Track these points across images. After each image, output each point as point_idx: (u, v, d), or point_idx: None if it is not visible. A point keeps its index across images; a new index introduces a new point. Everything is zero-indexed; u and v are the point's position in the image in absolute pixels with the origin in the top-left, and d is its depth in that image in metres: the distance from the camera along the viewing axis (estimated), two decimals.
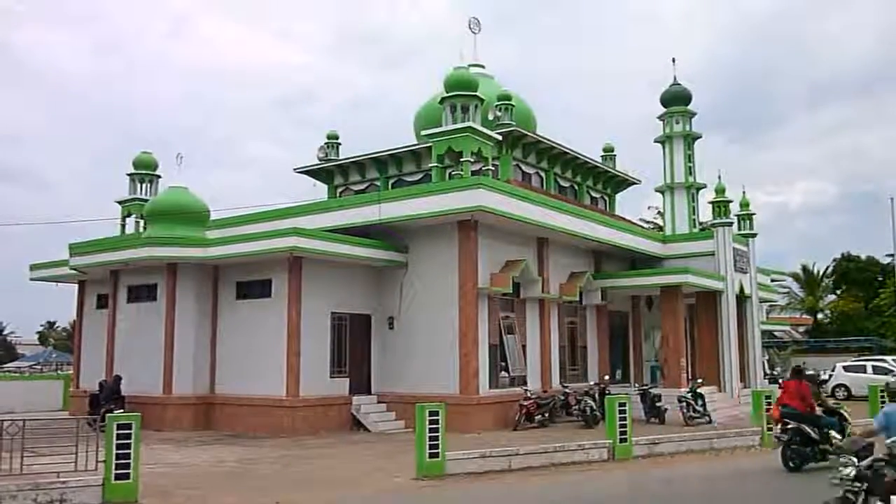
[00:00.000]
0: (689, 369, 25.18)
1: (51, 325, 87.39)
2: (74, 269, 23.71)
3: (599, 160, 31.83)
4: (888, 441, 6.94)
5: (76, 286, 27.21)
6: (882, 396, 18.02)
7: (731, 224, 26.20)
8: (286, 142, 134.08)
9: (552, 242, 22.32)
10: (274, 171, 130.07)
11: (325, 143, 30.99)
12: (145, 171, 27.48)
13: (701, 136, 29.93)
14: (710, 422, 20.51)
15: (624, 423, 14.01)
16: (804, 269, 52.09)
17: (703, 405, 20.90)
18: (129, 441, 10.02)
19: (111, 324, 22.52)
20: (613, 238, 23.71)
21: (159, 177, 27.57)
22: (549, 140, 27.68)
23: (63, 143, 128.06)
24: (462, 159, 20.59)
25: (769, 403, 16.17)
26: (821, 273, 51.95)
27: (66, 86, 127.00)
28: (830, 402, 15.75)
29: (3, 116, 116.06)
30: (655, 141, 30.18)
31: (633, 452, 14.00)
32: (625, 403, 14.21)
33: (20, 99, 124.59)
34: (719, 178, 27.33)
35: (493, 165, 22.64)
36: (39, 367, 57.86)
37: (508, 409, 19.66)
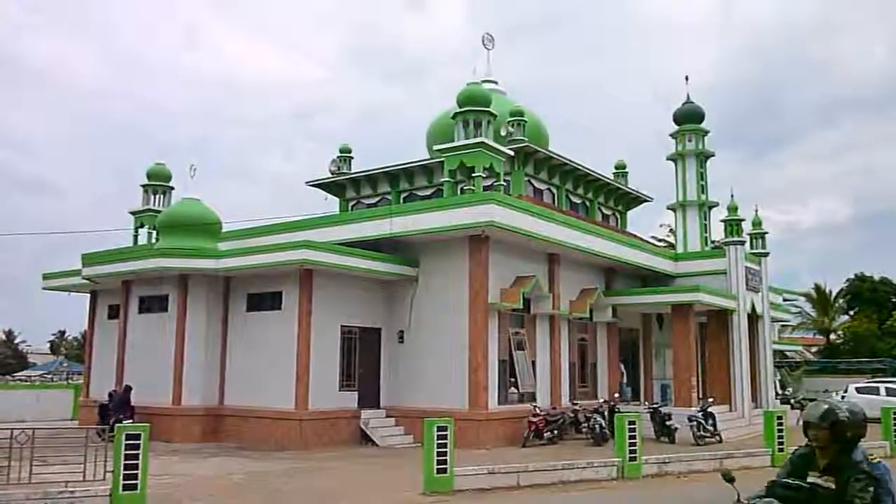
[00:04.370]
0: (700, 388, 25.00)
1: (62, 334, 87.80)
2: (87, 279, 23.81)
3: (611, 177, 31.84)
4: None
5: (88, 296, 27.33)
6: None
7: (743, 243, 26.08)
8: (299, 155, 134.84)
9: (563, 259, 22.26)
10: (286, 184, 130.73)
11: (338, 157, 31.10)
12: (158, 182, 27.64)
13: (714, 155, 29.88)
14: (720, 441, 20.36)
15: (633, 441, 13.92)
16: (817, 288, 51.74)
17: (714, 424, 20.74)
18: (137, 451, 10.03)
19: (122, 334, 22.58)
20: (625, 255, 23.64)
21: (172, 188, 27.72)
22: (561, 156, 27.70)
23: (75, 153, 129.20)
24: (474, 174, 20.62)
25: (780, 424, 16.07)
26: (834, 293, 51.60)
27: (78, 96, 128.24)
28: None
29: (16, 125, 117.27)
30: (668, 158, 30.15)
31: (642, 471, 13.90)
32: (634, 422, 14.11)
33: (33, 108, 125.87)
34: (732, 196, 27.25)
35: (505, 181, 22.66)
36: (50, 376, 58.15)
37: (517, 426, 19.55)
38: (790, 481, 4.05)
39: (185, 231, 20.98)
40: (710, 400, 22.31)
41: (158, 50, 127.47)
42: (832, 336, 51.33)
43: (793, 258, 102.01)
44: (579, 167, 28.54)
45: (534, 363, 21.25)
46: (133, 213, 27.73)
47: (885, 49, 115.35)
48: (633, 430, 13.94)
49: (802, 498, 3.95)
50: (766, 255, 28.17)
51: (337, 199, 30.81)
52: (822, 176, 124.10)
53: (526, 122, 27.10)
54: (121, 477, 9.91)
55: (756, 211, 29.25)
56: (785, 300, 34.29)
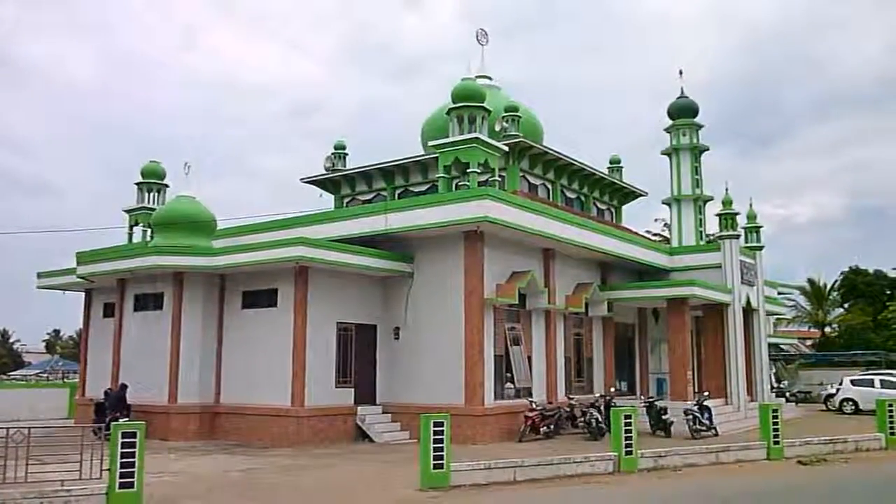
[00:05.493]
0: (696, 382, 25.06)
1: (57, 333, 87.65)
2: (81, 278, 23.74)
3: (606, 172, 31.84)
4: None
5: (83, 295, 27.26)
6: (890, 410, 17.98)
7: (738, 236, 26.12)
8: (293, 152, 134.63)
9: (558, 254, 22.28)
10: (281, 181, 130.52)
11: (332, 154, 31.05)
12: (153, 180, 27.58)
13: (708, 149, 29.88)
14: (716, 435, 20.42)
15: (629, 435, 13.94)
16: (811, 282, 51.92)
17: (710, 418, 20.79)
18: (133, 450, 10.01)
19: (117, 332, 22.51)
20: (620, 250, 23.66)
21: (167, 186, 27.67)
22: (555, 151, 27.69)
23: (70, 152, 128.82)
24: (469, 170, 20.61)
25: (776, 417, 16.11)
26: (828, 286, 51.76)
27: (74, 95, 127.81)
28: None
29: (12, 125, 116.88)
30: (662, 153, 30.15)
31: (638, 465, 13.93)
32: (630, 416, 14.14)
33: (28, 108, 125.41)
34: (726, 190, 27.29)
35: (500, 176, 22.64)
36: (45, 375, 58.12)
37: (514, 421, 19.58)
38: None
39: (180, 229, 20.93)
40: (706, 394, 22.36)
41: (157, 50, 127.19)
42: (827, 329, 51.51)
43: (788, 252, 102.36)
44: (574, 162, 28.54)
45: (530, 358, 21.27)
46: (128, 211, 27.67)
47: (880, 45, 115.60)
48: (629, 424, 13.96)
49: None
50: (761, 248, 28.23)
51: (332, 196, 30.78)
52: (817, 171, 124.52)
53: (520, 117, 27.09)
54: (117, 475, 9.89)
55: (751, 205, 29.33)
56: (780, 294, 34.36)
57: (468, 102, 21.06)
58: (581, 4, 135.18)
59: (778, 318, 42.32)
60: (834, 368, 37.89)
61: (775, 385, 32.98)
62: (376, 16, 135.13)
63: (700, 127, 29.88)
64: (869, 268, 51.20)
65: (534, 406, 19.77)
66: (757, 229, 28.71)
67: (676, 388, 23.07)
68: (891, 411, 18.05)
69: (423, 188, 27.72)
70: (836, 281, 51.78)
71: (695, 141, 29.62)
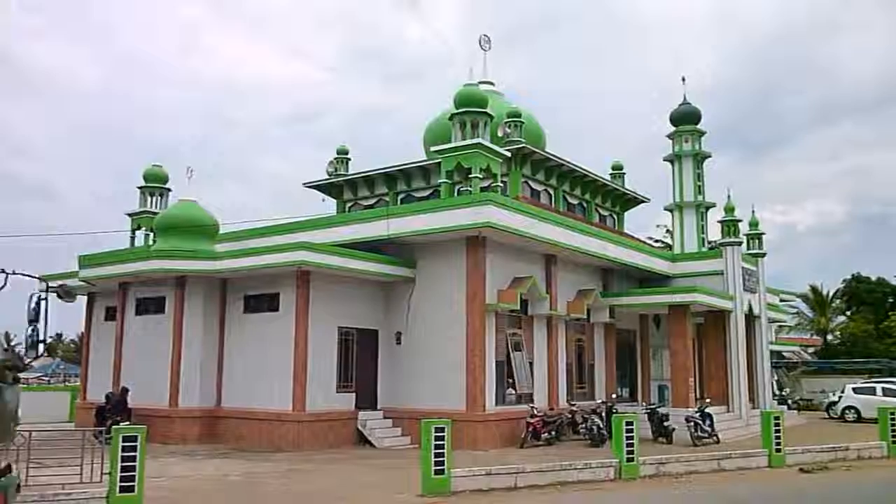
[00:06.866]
0: (698, 389, 25.03)
1: (59, 336, 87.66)
2: (83, 281, 23.76)
3: (608, 178, 31.86)
4: None
5: (85, 298, 27.26)
6: (892, 418, 17.93)
7: (740, 243, 26.13)
8: (296, 156, 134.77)
9: (560, 260, 22.28)
10: (283, 185, 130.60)
11: (335, 158, 31.10)
12: (155, 184, 27.62)
13: (710, 156, 29.92)
14: (718, 442, 20.38)
15: (631, 442, 13.92)
16: (813, 289, 51.88)
17: (711, 425, 20.76)
18: (134, 454, 10.01)
19: (119, 336, 22.54)
20: (622, 256, 23.65)
21: (169, 190, 27.72)
22: (558, 157, 27.71)
23: (72, 155, 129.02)
24: (471, 175, 20.61)
25: (777, 424, 16.08)
26: (830, 294, 51.72)
27: (75, 98, 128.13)
28: None
29: (13, 128, 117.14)
30: (665, 159, 30.19)
31: (639, 472, 13.90)
32: (632, 422, 14.12)
33: (29, 109, 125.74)
34: (728, 197, 27.32)
35: (502, 182, 22.66)
36: (47, 378, 58.09)
37: (515, 427, 19.56)
38: None
39: (182, 233, 20.97)
40: (708, 401, 22.33)
41: (158, 52, 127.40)
42: (829, 337, 51.43)
43: (789, 259, 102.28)
44: (576, 168, 28.56)
45: (531, 364, 21.25)
46: (130, 214, 27.71)
47: (882, 50, 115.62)
48: (631, 430, 13.94)
49: None
50: (763, 255, 28.24)
51: (334, 201, 30.80)
52: (819, 177, 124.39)
53: (523, 123, 27.09)
54: (118, 479, 9.89)
55: (753, 212, 29.37)
56: (782, 301, 34.33)
57: (470, 108, 21.07)
58: (583, 10, 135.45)
59: (780, 326, 42.28)
60: (836, 376, 37.82)
61: (777, 392, 32.92)
62: (377, 19, 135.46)
63: (702, 133, 29.93)
64: (871, 275, 51.22)
65: (535, 412, 19.73)
66: (759, 236, 28.73)
67: (678, 395, 23.05)
68: (893, 419, 17.99)
69: (426, 193, 27.73)
70: (838, 288, 51.76)
71: (697, 147, 29.67)
